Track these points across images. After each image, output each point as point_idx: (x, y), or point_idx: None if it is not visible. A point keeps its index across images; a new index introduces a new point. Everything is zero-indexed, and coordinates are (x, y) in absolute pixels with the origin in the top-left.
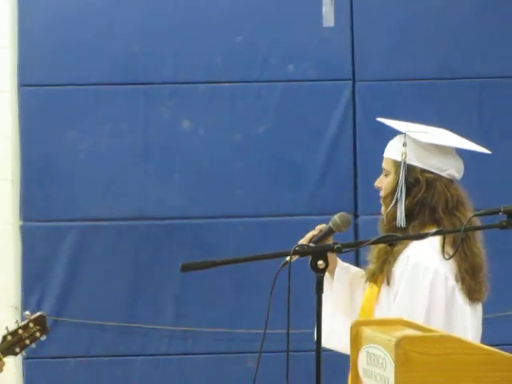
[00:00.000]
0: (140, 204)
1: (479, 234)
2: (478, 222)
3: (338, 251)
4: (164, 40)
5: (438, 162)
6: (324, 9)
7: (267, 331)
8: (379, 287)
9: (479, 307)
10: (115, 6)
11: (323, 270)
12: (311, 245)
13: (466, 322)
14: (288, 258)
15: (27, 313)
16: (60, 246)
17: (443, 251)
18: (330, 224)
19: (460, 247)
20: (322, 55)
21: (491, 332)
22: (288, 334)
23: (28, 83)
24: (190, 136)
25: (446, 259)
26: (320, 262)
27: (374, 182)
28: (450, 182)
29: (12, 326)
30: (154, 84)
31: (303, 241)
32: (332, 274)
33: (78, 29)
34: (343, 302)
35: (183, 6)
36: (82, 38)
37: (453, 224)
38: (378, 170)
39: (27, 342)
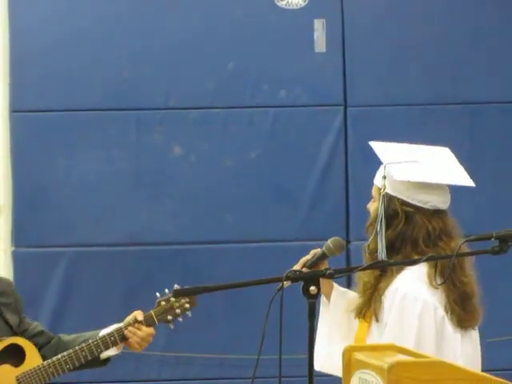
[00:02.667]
0: (131, 230)
1: (469, 261)
2: (466, 248)
3: (330, 277)
4: (155, 66)
5: (418, 196)
6: (316, 34)
7: (260, 357)
8: (368, 323)
9: (474, 333)
10: (106, 33)
11: (315, 296)
12: (304, 270)
13: (456, 351)
14: (285, 283)
15: (176, 285)
16: (52, 271)
17: (434, 278)
18: (324, 248)
19: (448, 277)
20: (313, 81)
21: (491, 356)
22: (280, 359)
23: (19, 109)
24: (182, 162)
25: (436, 286)
26: (312, 288)
27: (365, 207)
28: (433, 212)
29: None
30: (146, 110)
31: (297, 266)
32: (329, 298)
33: (70, 55)
34: (340, 325)
35: (174, 33)
36: (73, 65)
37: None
38: (370, 196)
39: (178, 311)
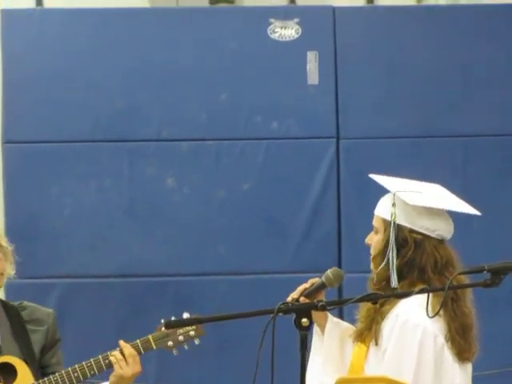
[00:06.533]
0: (124, 261)
1: (469, 294)
2: (466, 280)
3: (323, 309)
4: (148, 97)
5: (427, 223)
6: (308, 66)
7: None
8: (367, 346)
9: (469, 366)
10: (99, 64)
11: (307, 328)
12: (301, 299)
13: (455, 380)
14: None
15: (186, 313)
16: (44, 302)
17: (427, 309)
18: (323, 278)
19: (450, 307)
20: (306, 113)
21: None
22: None
23: (11, 140)
24: (174, 193)
25: (430, 317)
26: (304, 320)
27: (357, 239)
28: (439, 242)
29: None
30: (138, 141)
31: (295, 293)
32: (323, 329)
33: (62, 86)
34: (334, 357)
35: (167, 64)
36: (65, 95)
37: (442, 284)
38: (362, 228)
39: (181, 338)
